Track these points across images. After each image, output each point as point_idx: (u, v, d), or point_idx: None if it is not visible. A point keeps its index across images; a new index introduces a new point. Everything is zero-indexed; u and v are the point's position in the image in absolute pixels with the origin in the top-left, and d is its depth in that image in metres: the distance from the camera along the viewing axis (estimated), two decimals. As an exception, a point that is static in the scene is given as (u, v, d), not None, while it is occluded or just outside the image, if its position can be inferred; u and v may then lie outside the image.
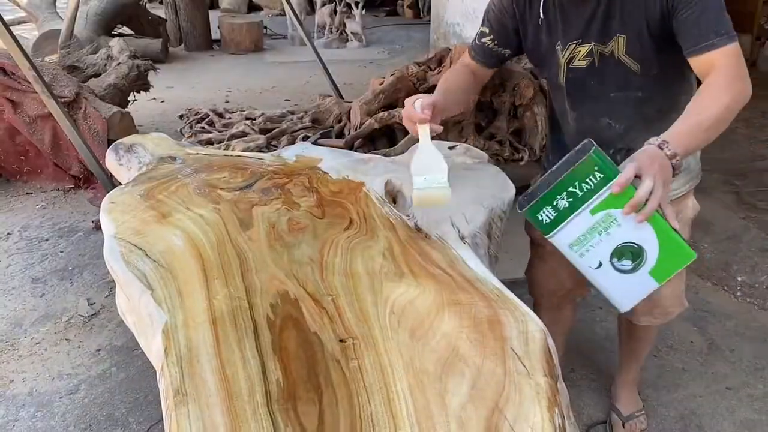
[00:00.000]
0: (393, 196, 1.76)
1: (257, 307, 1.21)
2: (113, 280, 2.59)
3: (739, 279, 2.90)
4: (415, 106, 1.57)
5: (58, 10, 6.87)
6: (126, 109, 4.18)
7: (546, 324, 2.02)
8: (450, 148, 2.07)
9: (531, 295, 2.10)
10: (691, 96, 1.45)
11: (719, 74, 1.38)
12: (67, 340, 2.51)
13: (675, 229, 1.20)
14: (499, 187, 1.75)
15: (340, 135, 3.51)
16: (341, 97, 4.34)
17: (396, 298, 1.24)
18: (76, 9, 5.81)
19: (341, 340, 1.12)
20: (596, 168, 1.18)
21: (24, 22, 7.00)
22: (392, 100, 3.36)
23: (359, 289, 1.27)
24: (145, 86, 4.66)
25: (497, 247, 1.67)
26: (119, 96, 4.36)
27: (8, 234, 3.38)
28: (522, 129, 3.52)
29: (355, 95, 3.91)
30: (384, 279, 1.31)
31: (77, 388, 2.24)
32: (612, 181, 1.17)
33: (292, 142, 3.33)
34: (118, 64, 4.44)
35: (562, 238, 1.28)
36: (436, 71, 3.68)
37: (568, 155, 1.26)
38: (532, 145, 3.45)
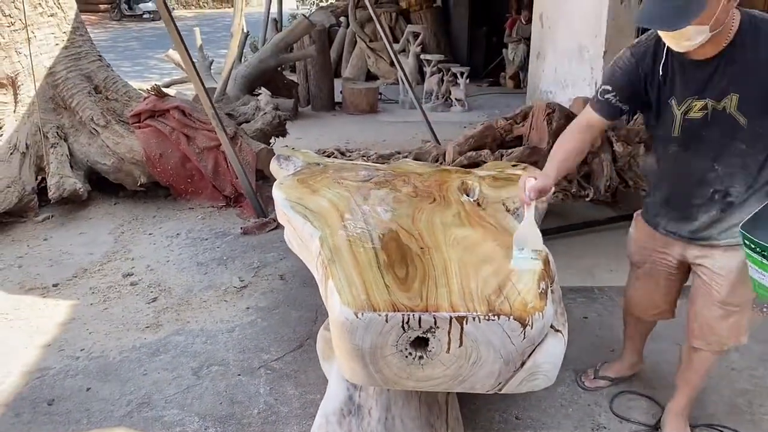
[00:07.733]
0: (466, 190, 2.54)
1: (372, 233, 2.01)
2: (257, 266, 3.48)
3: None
4: (526, 188, 1.91)
5: (212, 73, 8.34)
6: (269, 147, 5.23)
7: (631, 326, 2.49)
8: (514, 165, 2.83)
9: (625, 310, 2.44)
10: None
11: None
12: (225, 301, 3.41)
13: None
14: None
15: (437, 171, 4.32)
16: (439, 143, 5.19)
17: (457, 233, 2.01)
18: (230, 73, 7.18)
19: (421, 248, 1.90)
20: None
21: (185, 81, 8.48)
22: (480, 144, 4.15)
23: (435, 230, 2.05)
24: (283, 132, 5.74)
25: (540, 218, 2.39)
26: (263, 138, 5.43)
27: (177, 234, 4.41)
28: (590, 172, 4.19)
29: (453, 143, 4.74)
30: (451, 225, 2.08)
31: (233, 328, 3.11)
32: None
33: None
34: (264, 113, 5.54)
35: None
36: (521, 124, 4.46)
37: None
38: (597, 185, 4.11)
